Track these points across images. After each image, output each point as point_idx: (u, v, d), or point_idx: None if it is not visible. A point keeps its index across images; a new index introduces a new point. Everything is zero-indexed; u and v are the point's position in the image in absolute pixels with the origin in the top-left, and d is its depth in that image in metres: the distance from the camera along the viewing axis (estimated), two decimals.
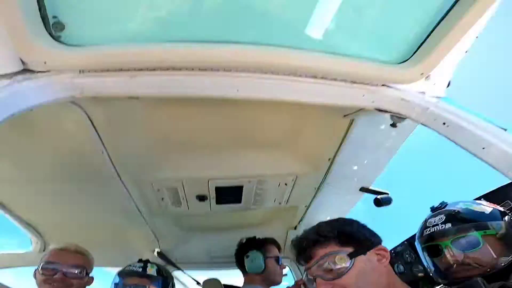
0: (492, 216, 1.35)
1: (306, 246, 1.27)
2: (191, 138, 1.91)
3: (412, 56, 1.33)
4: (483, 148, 1.17)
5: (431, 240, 1.41)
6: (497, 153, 1.13)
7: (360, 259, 1.18)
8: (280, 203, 2.56)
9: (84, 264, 1.96)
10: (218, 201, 2.39)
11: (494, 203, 1.45)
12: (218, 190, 2.25)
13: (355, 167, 2.29)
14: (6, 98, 1.04)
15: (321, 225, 1.35)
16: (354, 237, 1.25)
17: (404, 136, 1.97)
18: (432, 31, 1.23)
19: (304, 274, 1.36)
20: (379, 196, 2.36)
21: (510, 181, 1.52)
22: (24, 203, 2.30)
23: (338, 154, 2.05)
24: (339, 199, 2.66)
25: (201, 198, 2.33)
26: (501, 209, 1.40)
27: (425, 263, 1.53)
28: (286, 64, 1.30)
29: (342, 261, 1.16)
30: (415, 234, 1.57)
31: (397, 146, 2.06)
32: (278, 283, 2.34)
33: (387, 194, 2.39)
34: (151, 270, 2.01)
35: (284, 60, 1.29)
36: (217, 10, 1.18)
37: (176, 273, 3.25)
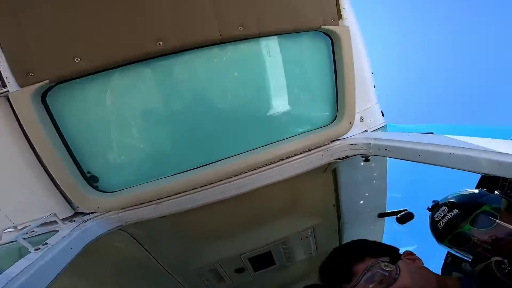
0: (483, 193, 1.50)
1: (342, 266, 1.21)
2: (216, 228, 2.32)
3: (336, 114, 1.79)
4: (419, 155, 1.45)
5: (449, 230, 1.49)
6: (430, 154, 1.40)
7: (400, 263, 1.16)
8: (311, 253, 2.79)
9: None
10: (256, 269, 2.69)
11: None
12: (251, 260, 2.57)
13: (361, 202, 2.56)
14: (83, 232, 1.54)
15: (342, 248, 1.36)
16: (381, 248, 1.27)
17: (384, 162, 2.28)
18: (337, 94, 1.72)
19: None
20: (398, 215, 2.52)
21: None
22: None
23: (339, 198, 2.37)
24: (366, 231, 2.86)
25: (240, 270, 2.65)
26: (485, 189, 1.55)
27: (464, 257, 1.57)
28: (262, 160, 1.77)
29: (389, 267, 1.12)
30: None
31: (384, 171, 2.37)
32: None
33: (405, 210, 2.54)
34: None
35: (260, 158, 1.76)
36: (206, 140, 1.72)
37: None
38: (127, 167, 1.68)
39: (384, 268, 1.12)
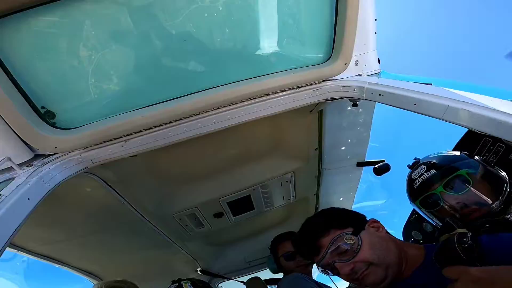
0: (464, 157, 1.46)
1: (310, 240, 1.30)
2: (194, 170, 2.22)
3: (331, 54, 1.64)
4: (415, 104, 1.36)
5: (423, 191, 1.46)
6: (426, 104, 1.31)
7: (363, 234, 1.23)
8: (289, 199, 2.82)
9: None
10: (235, 214, 2.69)
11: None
12: (230, 204, 2.55)
13: (343, 148, 2.54)
14: (41, 178, 1.32)
15: (311, 220, 1.44)
16: (347, 219, 1.33)
17: (371, 109, 2.19)
18: (334, 32, 1.55)
19: (320, 268, 1.34)
20: (376, 166, 2.55)
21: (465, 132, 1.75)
22: (78, 256, 2.67)
23: (322, 142, 2.31)
24: (343, 179, 2.89)
25: (219, 215, 2.64)
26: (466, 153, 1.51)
27: (430, 221, 1.58)
28: (245, 94, 1.60)
29: (351, 240, 1.20)
30: None
31: (369, 119, 2.29)
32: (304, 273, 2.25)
33: (383, 161, 2.57)
34: (187, 286, 2.11)
35: (242, 91, 1.58)
36: (182, 68, 1.51)
37: (221, 284, 3.57)
38: (89, 99, 1.46)
39: (347, 241, 1.20)
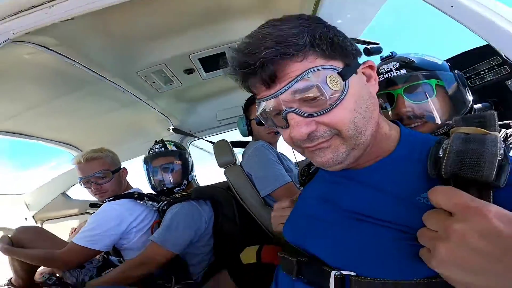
0: (444, 67, 1.29)
1: (265, 59, 0.66)
2: (159, 23, 1.85)
3: None
4: (452, 7, 1.08)
5: (384, 87, 1.30)
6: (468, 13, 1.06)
7: (352, 80, 0.71)
8: None
9: (104, 166, 2.09)
10: (206, 70, 2.46)
11: (459, 68, 1.38)
12: (202, 60, 2.29)
13: (339, 21, 2.19)
14: None
15: (279, 25, 0.72)
16: (339, 44, 0.72)
17: None
18: None
19: (259, 111, 0.79)
20: (369, 46, 2.32)
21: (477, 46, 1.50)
22: (44, 126, 2.61)
23: (318, 9, 1.95)
24: None
25: (189, 71, 2.41)
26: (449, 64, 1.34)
27: None
28: None
29: (335, 83, 0.67)
30: None
31: (381, 2, 1.96)
32: (271, 142, 2.28)
33: (378, 44, 2.34)
34: (171, 147, 2.24)
35: None
36: None
37: (193, 143, 3.73)
38: None
39: (329, 84, 0.67)
